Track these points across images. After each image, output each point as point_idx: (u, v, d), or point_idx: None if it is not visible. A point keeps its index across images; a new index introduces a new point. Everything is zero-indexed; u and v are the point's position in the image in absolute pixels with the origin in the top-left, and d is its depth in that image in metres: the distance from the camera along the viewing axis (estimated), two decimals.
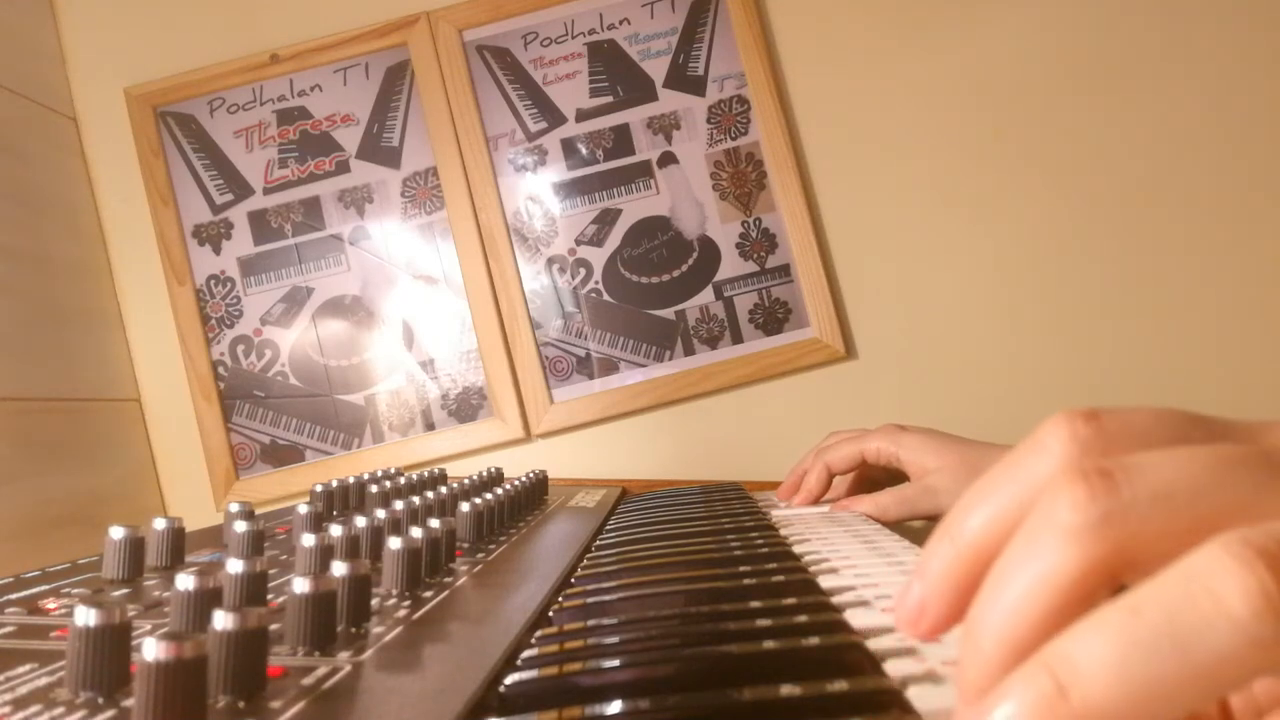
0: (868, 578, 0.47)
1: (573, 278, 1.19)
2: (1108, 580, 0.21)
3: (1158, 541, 0.20)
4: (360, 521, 0.50)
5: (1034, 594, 0.21)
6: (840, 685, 0.29)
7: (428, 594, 0.44)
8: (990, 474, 0.25)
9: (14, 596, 0.43)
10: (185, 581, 0.34)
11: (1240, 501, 0.20)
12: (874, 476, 0.85)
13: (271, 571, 0.45)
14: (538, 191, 1.20)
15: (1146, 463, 0.21)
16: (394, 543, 0.43)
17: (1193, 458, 0.21)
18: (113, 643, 0.28)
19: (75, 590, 0.45)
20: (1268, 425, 0.24)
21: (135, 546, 0.47)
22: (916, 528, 0.82)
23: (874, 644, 0.34)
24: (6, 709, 0.28)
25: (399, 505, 0.57)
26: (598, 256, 1.19)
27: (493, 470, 0.84)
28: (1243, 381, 1.12)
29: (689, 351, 1.17)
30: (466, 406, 1.18)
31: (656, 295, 1.18)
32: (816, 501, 0.83)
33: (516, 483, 0.74)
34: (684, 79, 1.20)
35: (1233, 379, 1.12)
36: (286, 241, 1.20)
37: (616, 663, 0.35)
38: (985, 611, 0.22)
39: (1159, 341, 1.14)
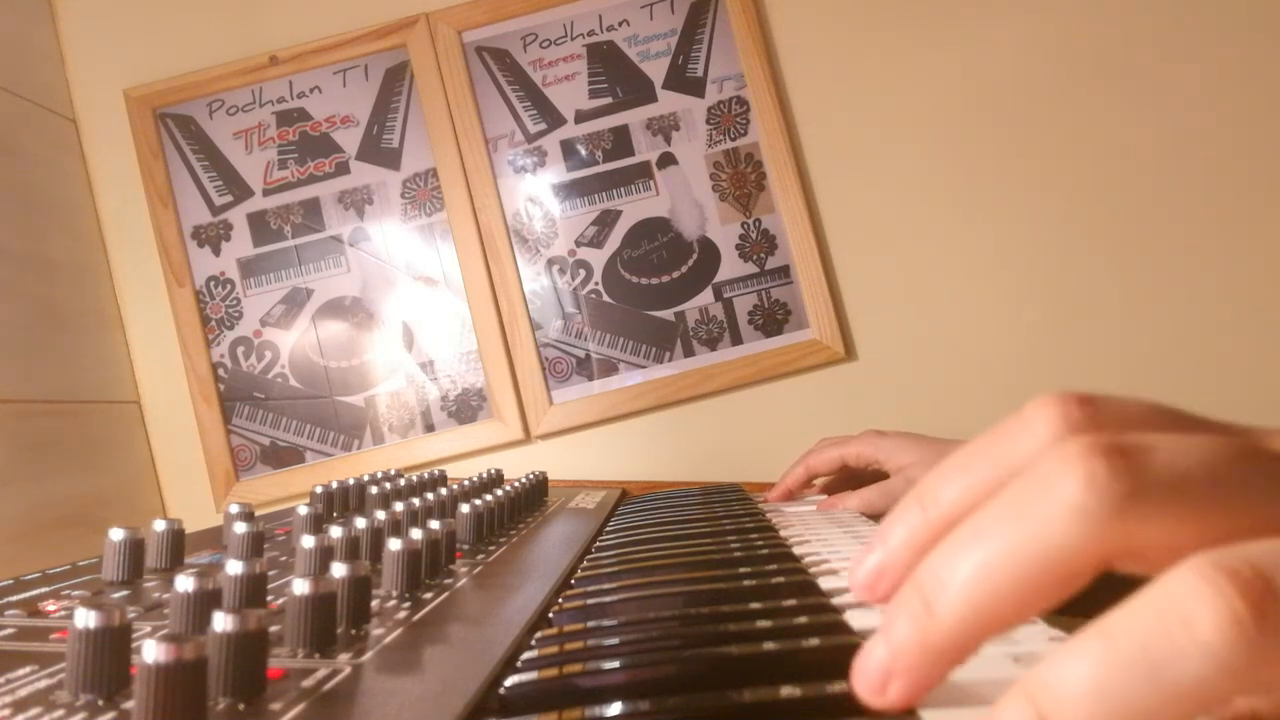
0: None
1: (572, 279, 1.19)
2: (1101, 567, 0.20)
3: (1164, 535, 0.19)
4: (360, 523, 0.50)
5: (1020, 563, 0.20)
6: (840, 686, 0.29)
7: (428, 595, 0.44)
8: (969, 447, 0.24)
9: (14, 598, 0.43)
10: (185, 583, 0.34)
11: (1247, 501, 0.19)
12: (863, 478, 0.87)
13: (271, 573, 0.45)
14: (537, 193, 1.20)
15: (1163, 446, 0.20)
16: (394, 544, 0.43)
17: (1207, 446, 0.20)
18: (113, 645, 0.28)
19: (75, 592, 0.45)
20: (1253, 429, 0.24)
21: (135, 548, 0.47)
22: None
23: None
24: (6, 711, 0.28)
25: (399, 507, 0.57)
26: (597, 258, 1.19)
27: (493, 472, 0.84)
28: (1248, 383, 1.12)
29: (689, 353, 1.17)
30: (466, 408, 1.18)
31: (656, 296, 1.18)
32: (791, 497, 0.88)
33: (516, 484, 0.74)
34: (683, 80, 1.20)
35: (1237, 380, 1.12)
36: (286, 243, 1.20)
37: (616, 664, 0.35)
38: (950, 562, 0.21)
39: (1160, 341, 1.14)
